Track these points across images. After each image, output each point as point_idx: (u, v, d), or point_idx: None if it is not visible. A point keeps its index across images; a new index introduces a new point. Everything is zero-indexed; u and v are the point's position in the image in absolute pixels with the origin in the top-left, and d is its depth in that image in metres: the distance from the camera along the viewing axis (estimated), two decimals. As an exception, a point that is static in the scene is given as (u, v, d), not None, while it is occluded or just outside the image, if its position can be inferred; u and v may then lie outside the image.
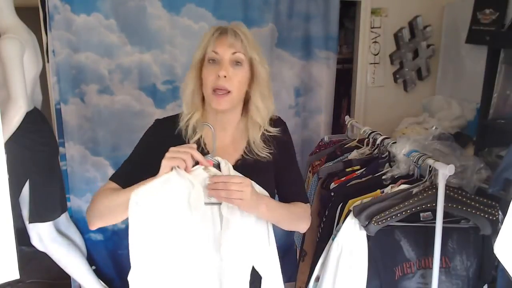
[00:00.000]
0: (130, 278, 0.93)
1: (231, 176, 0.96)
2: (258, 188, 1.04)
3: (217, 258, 1.01)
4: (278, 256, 1.12)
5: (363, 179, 1.65)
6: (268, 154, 1.13)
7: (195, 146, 0.97)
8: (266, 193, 1.06)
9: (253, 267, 1.06)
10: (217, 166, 1.01)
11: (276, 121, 1.19)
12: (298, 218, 1.16)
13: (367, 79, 2.66)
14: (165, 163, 0.92)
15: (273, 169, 1.15)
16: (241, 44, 1.05)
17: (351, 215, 1.37)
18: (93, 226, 1.02)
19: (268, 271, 1.09)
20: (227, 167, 1.01)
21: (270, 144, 1.14)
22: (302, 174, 2.22)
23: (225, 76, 1.03)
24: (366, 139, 1.87)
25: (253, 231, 1.05)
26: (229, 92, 1.04)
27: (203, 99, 1.11)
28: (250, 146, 1.13)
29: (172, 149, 0.94)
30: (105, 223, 1.01)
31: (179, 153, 0.92)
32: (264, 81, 1.10)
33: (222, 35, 1.05)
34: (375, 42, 2.61)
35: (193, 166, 0.96)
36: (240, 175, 0.99)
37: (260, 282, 1.10)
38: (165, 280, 0.95)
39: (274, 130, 1.15)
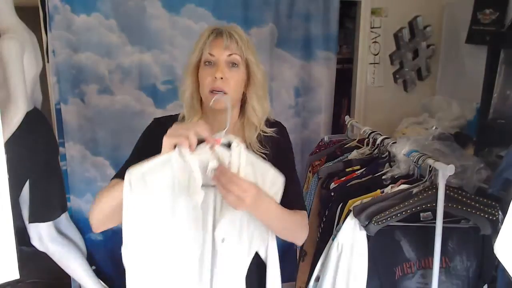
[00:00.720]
0: (123, 250, 0.91)
1: (239, 179, 0.86)
2: (269, 184, 0.98)
3: (212, 240, 0.98)
4: (277, 247, 1.10)
5: (363, 179, 1.65)
6: (263, 155, 1.11)
7: (201, 122, 0.89)
8: (275, 192, 1.00)
9: (249, 267, 1.05)
10: (227, 146, 0.91)
11: (274, 124, 1.18)
12: (297, 226, 1.09)
13: (367, 79, 2.66)
14: (166, 141, 0.86)
15: None
16: (237, 46, 1.05)
17: (351, 215, 1.37)
18: (97, 228, 1.00)
19: (268, 256, 1.07)
20: (238, 148, 0.90)
21: (266, 145, 1.13)
22: (302, 174, 2.21)
23: (221, 78, 1.02)
24: (366, 139, 1.87)
25: (251, 217, 1.00)
26: (225, 93, 1.03)
27: (201, 101, 1.11)
28: (246, 147, 1.13)
29: (174, 126, 0.88)
30: (108, 222, 0.99)
31: (181, 130, 0.86)
32: (259, 82, 1.10)
33: (217, 37, 1.05)
34: (375, 42, 2.61)
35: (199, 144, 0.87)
36: (248, 180, 0.88)
37: (255, 276, 1.09)
38: (157, 260, 0.93)
39: (270, 131, 1.15)
